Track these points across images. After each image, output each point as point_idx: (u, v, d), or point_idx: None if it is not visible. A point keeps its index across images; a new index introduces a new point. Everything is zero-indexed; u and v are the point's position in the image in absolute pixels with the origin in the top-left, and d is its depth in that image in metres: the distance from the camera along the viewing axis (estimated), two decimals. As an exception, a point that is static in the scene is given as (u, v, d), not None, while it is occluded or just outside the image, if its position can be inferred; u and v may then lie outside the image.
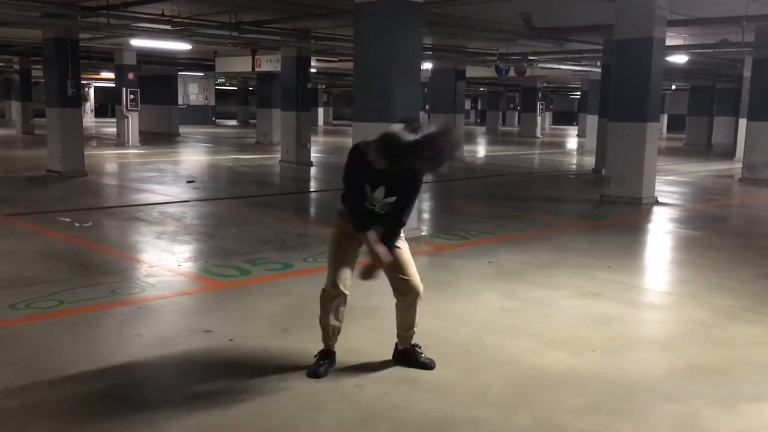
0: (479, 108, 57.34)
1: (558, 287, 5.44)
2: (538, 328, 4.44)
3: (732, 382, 3.67)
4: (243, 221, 8.39)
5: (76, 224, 7.83)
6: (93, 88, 41.15)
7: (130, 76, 20.20)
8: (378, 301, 4.33)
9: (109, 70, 24.15)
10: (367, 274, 3.47)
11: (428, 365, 3.70)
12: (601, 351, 4.07)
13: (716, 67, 21.55)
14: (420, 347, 3.78)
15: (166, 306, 4.90)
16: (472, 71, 22.10)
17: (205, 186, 11.76)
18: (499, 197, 11.47)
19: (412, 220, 6.44)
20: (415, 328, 3.72)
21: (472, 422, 3.14)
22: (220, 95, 42.58)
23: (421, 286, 3.63)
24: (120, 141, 20.44)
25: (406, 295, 3.63)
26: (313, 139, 16.69)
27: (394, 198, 3.43)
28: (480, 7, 10.86)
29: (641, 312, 5.05)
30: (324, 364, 3.62)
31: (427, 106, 19.68)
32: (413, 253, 3.72)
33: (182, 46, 16.18)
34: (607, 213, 9.62)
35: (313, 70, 19.13)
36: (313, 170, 14.88)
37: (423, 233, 7.53)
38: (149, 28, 13.27)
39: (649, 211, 9.74)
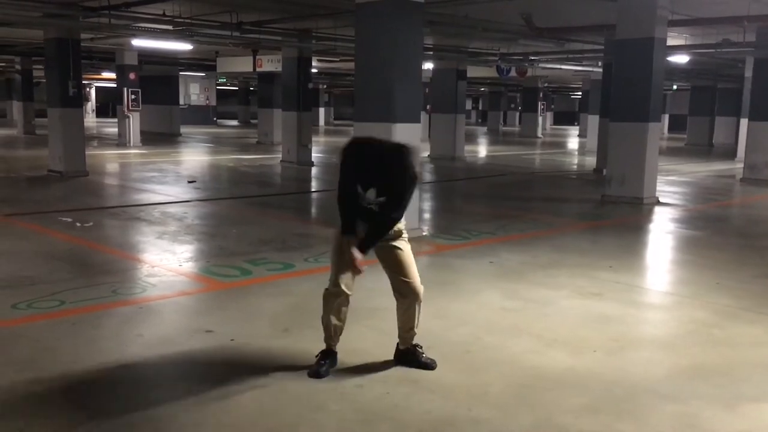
0: (480, 108, 57.33)
1: (559, 287, 5.44)
2: (539, 328, 4.44)
3: (733, 382, 3.67)
4: (244, 221, 8.40)
5: (78, 224, 7.83)
6: (94, 88, 41.21)
7: (132, 76, 20.21)
8: (379, 301, 4.33)
9: (110, 70, 24.18)
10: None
11: (429, 365, 3.71)
12: (602, 351, 4.07)
13: (717, 67, 21.54)
14: (421, 347, 3.78)
15: (167, 306, 4.90)
16: (473, 71, 22.08)
17: (207, 186, 11.76)
18: (500, 197, 11.46)
19: (413, 221, 6.44)
20: (416, 329, 3.72)
21: (473, 422, 3.14)
22: (221, 95, 42.61)
23: (421, 289, 3.64)
24: (121, 141, 20.45)
25: (405, 297, 3.64)
26: (314, 139, 16.69)
27: (384, 198, 3.45)
28: (481, 6, 10.87)
29: (642, 312, 5.05)
30: (325, 364, 3.62)
31: (428, 106, 19.69)
32: (414, 254, 3.73)
33: (183, 46, 16.19)
34: (608, 213, 9.62)
35: (314, 70, 19.13)
36: (314, 170, 14.88)
37: (424, 233, 7.53)
38: (150, 28, 13.28)
39: (650, 211, 9.74)
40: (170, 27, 12.99)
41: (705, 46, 14.69)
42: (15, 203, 9.49)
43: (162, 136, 24.75)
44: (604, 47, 14.86)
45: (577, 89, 38.91)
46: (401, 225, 3.62)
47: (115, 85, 23.05)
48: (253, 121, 36.96)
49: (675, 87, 32.91)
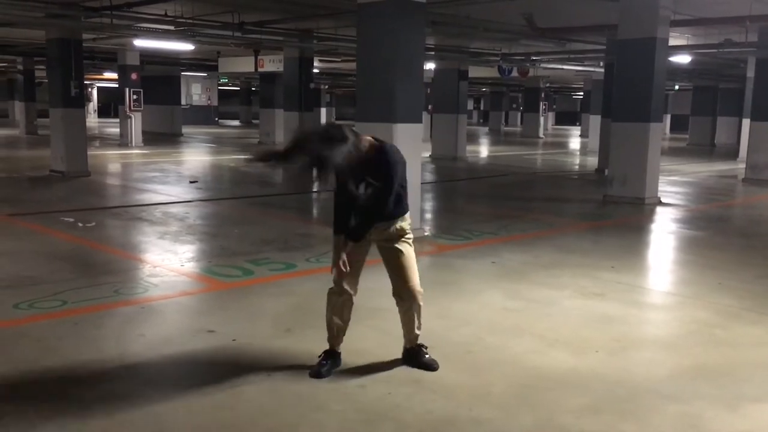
0: (482, 108, 57.28)
1: (561, 287, 5.43)
2: (540, 329, 4.44)
3: (735, 382, 3.66)
4: (246, 221, 8.40)
5: (80, 224, 7.84)
6: (96, 88, 41.22)
7: (133, 76, 20.24)
8: (381, 302, 4.33)
9: (112, 70, 24.21)
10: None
11: (430, 365, 3.70)
12: (604, 351, 4.06)
13: (719, 67, 21.52)
14: (426, 347, 3.78)
15: (169, 306, 4.90)
16: (475, 71, 22.09)
17: (208, 186, 11.77)
18: (502, 197, 11.46)
19: (415, 221, 6.44)
20: (418, 330, 3.72)
21: (474, 422, 3.14)
22: (223, 95, 42.66)
23: (419, 293, 3.64)
24: (123, 141, 20.48)
25: (403, 300, 3.65)
26: (315, 139, 16.65)
27: (370, 190, 3.42)
28: (483, 7, 10.87)
29: (644, 312, 5.04)
30: (327, 365, 3.62)
31: (429, 107, 19.70)
32: (416, 254, 3.72)
33: (185, 47, 16.20)
34: (610, 213, 9.61)
35: (315, 71, 19.16)
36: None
37: (426, 233, 7.53)
38: (152, 28, 13.31)
39: (652, 212, 9.73)
40: (172, 27, 13.01)
41: (707, 46, 14.68)
42: (17, 203, 9.50)
43: (164, 137, 24.77)
44: (606, 47, 14.85)
45: (579, 89, 38.85)
46: (406, 224, 3.60)
47: (117, 86, 23.10)
48: (254, 122, 36.94)
49: (677, 87, 32.89)
